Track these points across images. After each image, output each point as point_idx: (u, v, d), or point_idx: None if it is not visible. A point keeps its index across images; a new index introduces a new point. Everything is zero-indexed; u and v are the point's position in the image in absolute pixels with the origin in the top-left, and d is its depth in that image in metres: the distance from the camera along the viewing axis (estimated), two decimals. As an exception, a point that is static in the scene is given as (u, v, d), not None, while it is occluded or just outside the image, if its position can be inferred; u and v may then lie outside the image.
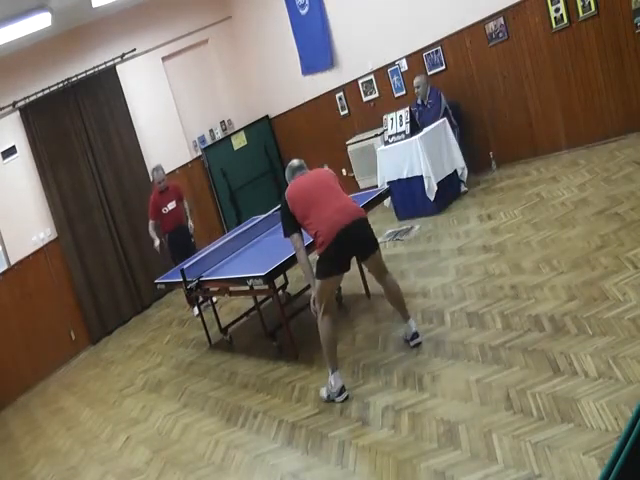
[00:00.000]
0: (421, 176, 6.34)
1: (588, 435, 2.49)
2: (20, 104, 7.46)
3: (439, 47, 7.02)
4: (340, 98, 8.43)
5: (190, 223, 6.88)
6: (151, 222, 6.69)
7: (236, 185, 9.22)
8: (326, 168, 4.23)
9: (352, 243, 3.64)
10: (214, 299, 6.04)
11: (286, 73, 8.96)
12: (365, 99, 8.12)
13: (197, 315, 6.62)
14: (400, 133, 6.59)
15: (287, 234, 3.85)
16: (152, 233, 6.67)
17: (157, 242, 6.64)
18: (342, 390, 3.70)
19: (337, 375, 3.72)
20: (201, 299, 6.02)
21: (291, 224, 3.81)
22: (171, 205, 6.70)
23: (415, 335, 3.95)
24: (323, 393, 3.80)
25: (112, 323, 7.92)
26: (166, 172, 7.31)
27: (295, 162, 4.08)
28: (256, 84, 9.64)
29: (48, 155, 7.61)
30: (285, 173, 4.11)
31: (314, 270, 3.73)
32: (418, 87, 6.78)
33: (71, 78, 7.82)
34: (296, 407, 3.87)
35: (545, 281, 3.98)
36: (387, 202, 6.62)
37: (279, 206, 4.02)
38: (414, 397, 3.37)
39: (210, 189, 9.15)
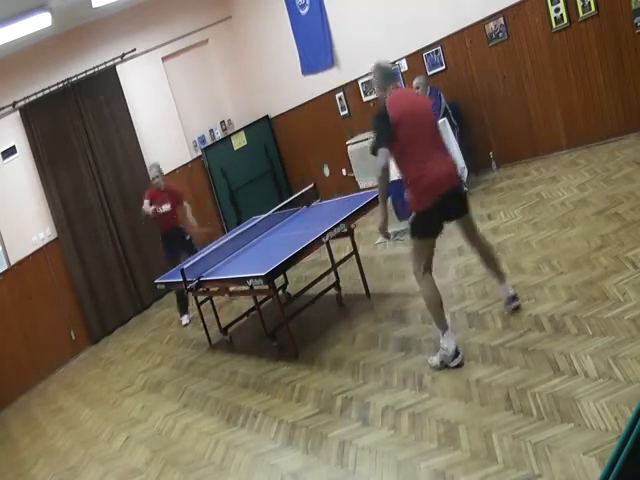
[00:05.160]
0: (421, 176, 6.32)
1: (588, 435, 2.49)
2: (20, 104, 7.46)
3: (439, 47, 7.02)
4: (340, 98, 8.43)
5: (191, 221, 6.60)
6: (146, 200, 6.31)
7: (236, 185, 9.22)
8: (423, 95, 3.78)
9: (448, 208, 3.47)
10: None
11: (286, 73, 8.96)
12: (365, 99, 8.12)
13: (185, 325, 6.67)
14: (400, 133, 6.58)
15: (380, 144, 3.35)
16: (148, 209, 6.26)
17: (151, 208, 6.25)
18: (456, 353, 3.43)
19: (449, 335, 3.45)
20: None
21: (389, 135, 3.31)
22: (165, 207, 6.38)
23: (513, 298, 3.72)
24: (435, 361, 3.52)
25: (112, 323, 7.92)
26: (166, 172, 7.27)
27: (388, 64, 3.62)
28: (256, 84, 9.64)
29: (48, 155, 7.60)
30: (374, 73, 3.57)
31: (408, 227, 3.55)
32: (418, 87, 6.77)
33: (71, 78, 7.82)
34: (296, 407, 3.87)
35: (545, 281, 3.98)
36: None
37: (375, 117, 3.48)
38: (414, 397, 3.37)
39: (210, 189, 9.15)
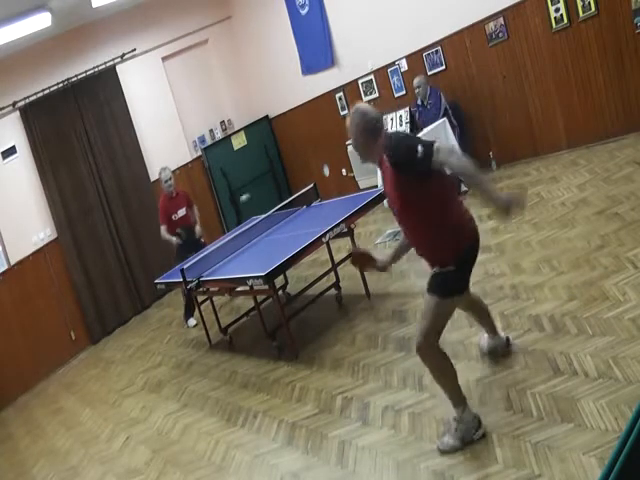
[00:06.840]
0: (421, 176, 6.32)
1: (588, 435, 2.50)
2: (20, 104, 7.45)
3: (439, 47, 7.02)
4: (340, 98, 8.43)
5: (198, 227, 6.69)
6: (163, 227, 6.41)
7: (236, 185, 9.22)
8: None
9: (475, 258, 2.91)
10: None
11: (286, 73, 8.96)
12: (365, 99, 8.12)
13: (194, 326, 6.58)
14: (400, 133, 6.59)
15: (431, 144, 2.60)
16: (166, 236, 6.39)
17: (174, 239, 6.37)
18: (479, 421, 2.82)
19: (467, 410, 2.84)
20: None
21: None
22: (181, 212, 6.46)
23: (507, 342, 3.41)
24: (450, 442, 2.81)
25: (112, 323, 7.91)
26: (166, 172, 7.30)
27: (370, 109, 2.85)
28: (256, 84, 9.63)
29: (48, 155, 7.60)
30: (358, 120, 2.79)
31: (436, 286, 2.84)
32: (418, 87, 6.78)
33: (71, 78, 7.82)
34: (296, 407, 3.87)
35: (545, 281, 3.98)
36: (387, 202, 6.62)
37: (404, 137, 2.91)
38: (414, 397, 3.37)
39: (210, 189, 9.15)
